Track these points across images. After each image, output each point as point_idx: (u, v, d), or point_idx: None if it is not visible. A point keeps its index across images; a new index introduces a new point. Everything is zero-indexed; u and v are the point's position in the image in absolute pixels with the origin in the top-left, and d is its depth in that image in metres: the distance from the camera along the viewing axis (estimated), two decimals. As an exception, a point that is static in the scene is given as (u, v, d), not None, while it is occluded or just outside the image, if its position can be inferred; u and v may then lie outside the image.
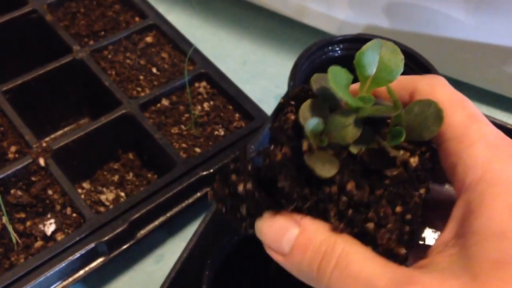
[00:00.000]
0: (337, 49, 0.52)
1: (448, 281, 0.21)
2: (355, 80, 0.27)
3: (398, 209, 0.24)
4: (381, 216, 0.24)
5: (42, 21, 0.62)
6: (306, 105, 0.26)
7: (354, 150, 0.25)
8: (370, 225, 0.24)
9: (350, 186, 0.24)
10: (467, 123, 0.24)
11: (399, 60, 0.26)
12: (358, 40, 0.52)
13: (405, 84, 0.28)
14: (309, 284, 0.24)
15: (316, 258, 0.23)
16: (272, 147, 0.26)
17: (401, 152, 0.26)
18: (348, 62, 0.55)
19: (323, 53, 0.52)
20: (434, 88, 0.26)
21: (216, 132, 0.55)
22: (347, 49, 0.52)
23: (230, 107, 0.58)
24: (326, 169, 0.24)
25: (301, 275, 0.23)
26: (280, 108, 0.28)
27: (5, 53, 0.62)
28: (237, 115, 0.57)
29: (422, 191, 0.26)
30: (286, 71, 0.49)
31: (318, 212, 0.24)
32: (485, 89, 0.67)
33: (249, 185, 0.25)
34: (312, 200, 0.24)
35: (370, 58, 0.27)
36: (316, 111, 0.26)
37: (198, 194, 0.52)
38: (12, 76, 0.56)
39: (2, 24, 0.60)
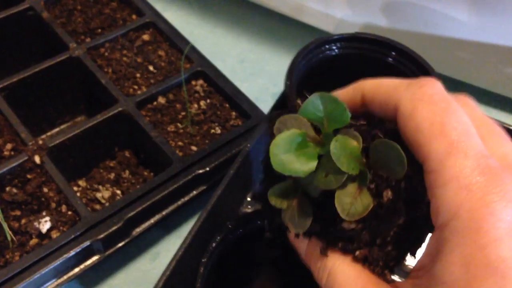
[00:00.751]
0: (334, 47, 0.52)
1: None
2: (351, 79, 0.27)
3: (378, 241, 0.26)
4: (363, 248, 0.26)
5: (38, 18, 0.62)
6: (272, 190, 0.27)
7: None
8: (359, 254, 0.26)
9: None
10: (443, 156, 0.23)
11: (342, 110, 0.26)
12: (355, 39, 0.51)
13: (390, 95, 0.26)
14: None
15: (316, 266, 0.27)
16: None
17: (371, 188, 0.26)
18: (345, 60, 0.55)
19: (320, 52, 0.52)
20: (415, 106, 0.24)
21: (212, 131, 0.55)
22: (344, 48, 0.52)
23: (227, 105, 0.57)
24: (300, 225, 0.26)
25: (312, 272, 0.28)
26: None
27: (1, 50, 0.62)
28: (233, 113, 0.57)
29: (401, 221, 0.25)
30: (284, 70, 0.49)
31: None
32: (483, 88, 0.67)
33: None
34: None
35: (316, 106, 0.27)
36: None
37: (194, 192, 0.52)
38: (8, 74, 0.56)
39: (-1, 21, 0.60)
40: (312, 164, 0.25)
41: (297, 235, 0.28)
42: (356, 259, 0.26)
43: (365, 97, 0.28)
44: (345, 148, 0.24)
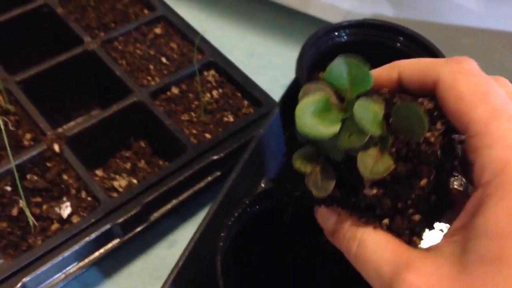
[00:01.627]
0: (343, 34, 0.53)
1: (441, 268, 0.23)
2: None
3: (400, 205, 0.26)
4: (387, 215, 0.27)
5: (53, 14, 0.63)
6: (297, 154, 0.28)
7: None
8: (385, 221, 0.27)
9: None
10: (487, 120, 0.24)
11: (365, 74, 0.27)
12: (364, 25, 0.53)
13: (428, 70, 0.27)
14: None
15: (344, 239, 0.28)
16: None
17: (386, 161, 0.26)
18: (354, 47, 0.56)
19: (329, 39, 0.53)
20: (456, 78, 0.26)
21: (225, 119, 0.57)
22: (353, 35, 0.53)
23: (239, 94, 0.59)
24: (323, 188, 0.27)
25: (340, 247, 0.29)
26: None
27: (19, 45, 0.64)
28: (245, 102, 0.58)
29: (421, 184, 0.26)
30: (292, 62, 0.50)
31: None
32: (492, 75, 0.68)
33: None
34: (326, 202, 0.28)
35: (340, 71, 0.27)
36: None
37: (209, 178, 0.53)
38: (25, 67, 0.58)
39: (15, 17, 0.62)
40: (336, 127, 0.26)
41: (322, 202, 0.28)
42: (383, 227, 0.27)
43: (402, 74, 0.28)
44: (367, 111, 0.25)
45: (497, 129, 0.24)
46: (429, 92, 0.27)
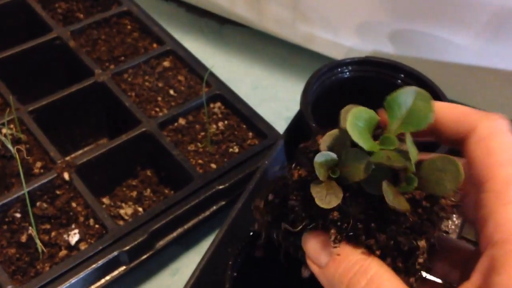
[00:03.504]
0: (346, 70, 0.55)
1: None
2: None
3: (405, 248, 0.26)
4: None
5: (65, 47, 0.66)
6: (330, 134, 0.27)
7: (364, 185, 0.26)
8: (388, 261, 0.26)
9: (353, 222, 0.26)
10: (509, 180, 0.25)
11: (429, 111, 0.27)
12: (366, 63, 0.55)
13: (467, 117, 0.27)
14: None
15: (347, 274, 0.26)
16: (293, 165, 0.28)
17: (405, 201, 0.26)
18: (356, 83, 0.58)
19: (332, 75, 0.55)
20: (492, 133, 0.26)
21: (230, 149, 0.58)
22: (355, 71, 0.55)
23: (244, 126, 0.60)
24: (326, 201, 0.25)
25: (333, 281, 0.26)
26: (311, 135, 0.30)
27: (32, 76, 0.66)
28: (250, 133, 0.60)
29: (420, 243, 0.26)
30: (296, 95, 0.52)
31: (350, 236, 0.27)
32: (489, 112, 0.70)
33: (271, 196, 0.29)
34: (319, 222, 0.27)
35: (402, 100, 0.27)
36: (337, 142, 0.27)
37: (214, 207, 0.54)
38: (38, 98, 0.60)
39: (29, 49, 0.64)
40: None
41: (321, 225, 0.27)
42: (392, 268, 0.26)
43: (438, 114, 0.29)
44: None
45: None
46: (458, 138, 0.28)
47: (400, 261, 0.26)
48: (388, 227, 0.26)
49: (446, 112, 0.29)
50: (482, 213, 0.25)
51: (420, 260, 0.27)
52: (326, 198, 0.25)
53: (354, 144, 0.26)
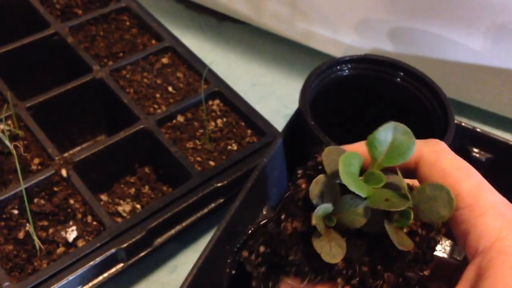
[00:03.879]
0: (345, 68, 0.55)
1: None
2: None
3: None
4: None
5: (63, 43, 0.65)
6: (317, 181, 0.27)
7: (361, 228, 0.26)
8: None
9: (358, 268, 0.26)
10: (475, 192, 0.26)
11: (411, 143, 0.28)
12: (365, 60, 0.55)
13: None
14: None
15: None
16: (283, 217, 0.28)
17: (408, 239, 0.26)
18: (355, 81, 0.58)
19: (331, 72, 0.55)
20: (438, 156, 0.28)
21: (229, 147, 0.58)
22: (354, 69, 0.55)
23: (242, 123, 0.60)
24: (332, 255, 0.25)
25: None
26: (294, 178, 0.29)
27: (29, 72, 0.65)
28: (249, 131, 0.60)
29: (426, 272, 0.27)
30: (294, 92, 0.52)
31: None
32: (488, 110, 0.70)
33: (262, 248, 0.29)
34: (325, 275, 0.26)
35: (383, 137, 0.28)
36: (326, 189, 0.27)
37: (212, 205, 0.54)
38: (35, 94, 0.59)
39: (27, 45, 0.64)
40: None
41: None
42: None
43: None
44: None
45: (486, 200, 0.26)
46: (410, 171, 0.29)
47: None
48: (394, 265, 0.26)
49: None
50: (462, 228, 0.27)
51: None
52: (332, 251, 0.25)
53: (343, 188, 0.26)
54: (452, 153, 0.29)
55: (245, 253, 0.30)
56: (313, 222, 0.26)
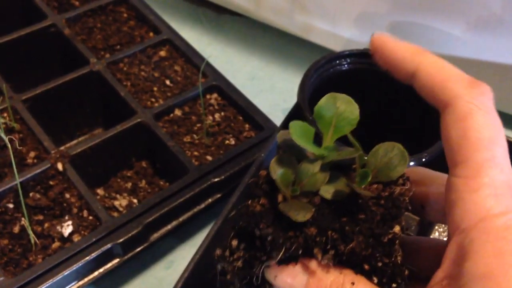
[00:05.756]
0: (344, 63, 0.55)
1: None
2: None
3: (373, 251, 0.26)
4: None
5: (60, 34, 0.65)
6: (274, 160, 0.28)
7: (325, 194, 0.27)
8: (366, 267, 0.26)
9: (329, 232, 0.26)
10: (482, 166, 0.24)
11: (355, 109, 0.28)
12: (364, 55, 0.54)
13: (447, 87, 0.26)
14: None
15: None
16: (250, 202, 0.28)
17: (368, 192, 0.27)
18: (354, 75, 0.58)
19: (330, 67, 0.54)
20: (471, 113, 0.25)
21: (227, 142, 0.58)
22: (353, 63, 0.55)
23: (240, 117, 0.60)
24: (301, 214, 0.25)
25: None
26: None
27: (26, 64, 0.65)
28: (247, 125, 0.59)
29: (396, 229, 0.26)
30: (293, 87, 0.51)
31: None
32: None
33: (234, 242, 0.28)
34: (301, 240, 0.26)
35: (328, 110, 0.28)
36: (284, 164, 0.27)
37: (210, 200, 0.54)
38: (32, 86, 0.59)
39: (23, 37, 0.63)
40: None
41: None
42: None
43: (419, 72, 0.27)
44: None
45: (486, 176, 0.24)
46: (433, 101, 0.26)
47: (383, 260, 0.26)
48: (362, 226, 0.26)
49: (428, 75, 0.27)
50: (451, 198, 0.25)
51: (399, 258, 0.27)
52: (300, 212, 0.25)
53: (300, 160, 0.28)
54: (490, 113, 0.25)
55: (218, 251, 0.30)
56: (278, 186, 0.26)
